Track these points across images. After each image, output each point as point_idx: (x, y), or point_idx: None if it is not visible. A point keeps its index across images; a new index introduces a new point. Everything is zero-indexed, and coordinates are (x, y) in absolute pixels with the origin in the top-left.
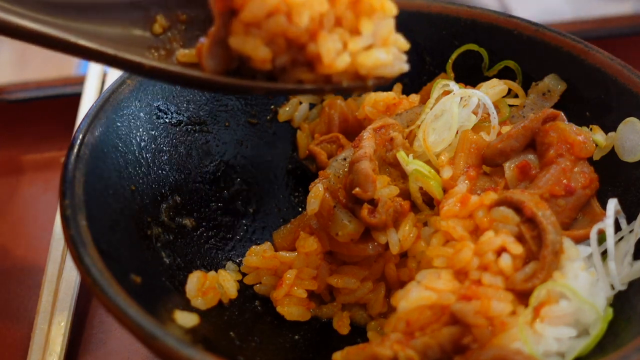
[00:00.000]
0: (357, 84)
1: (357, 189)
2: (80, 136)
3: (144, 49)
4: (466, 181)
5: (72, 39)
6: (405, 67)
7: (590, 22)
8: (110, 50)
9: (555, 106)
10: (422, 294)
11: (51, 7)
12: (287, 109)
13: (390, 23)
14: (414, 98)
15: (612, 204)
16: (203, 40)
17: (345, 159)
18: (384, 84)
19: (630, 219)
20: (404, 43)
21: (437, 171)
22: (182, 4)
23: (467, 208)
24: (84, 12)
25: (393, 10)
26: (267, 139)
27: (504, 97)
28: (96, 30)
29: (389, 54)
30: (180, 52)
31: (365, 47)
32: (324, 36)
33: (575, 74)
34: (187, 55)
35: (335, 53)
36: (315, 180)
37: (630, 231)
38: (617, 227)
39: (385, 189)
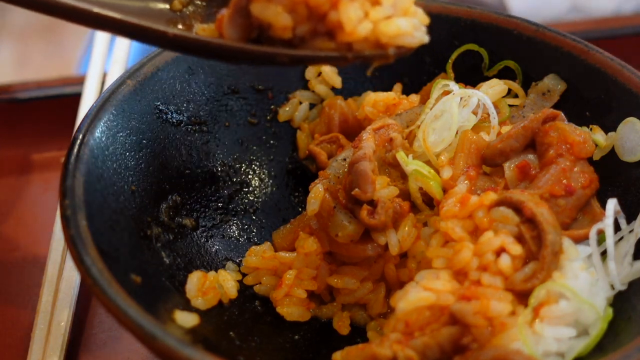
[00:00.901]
0: (378, 52)
1: (356, 189)
2: (80, 136)
3: (163, 22)
4: (466, 181)
5: (95, 9)
6: (425, 38)
7: (590, 22)
8: (133, 20)
9: (555, 106)
10: (420, 294)
11: None
12: (287, 109)
13: None
14: (414, 98)
15: (612, 204)
16: (223, 12)
17: (345, 160)
18: (405, 54)
19: (630, 219)
20: (423, 16)
21: (437, 171)
22: None
23: (466, 208)
24: None
25: None
26: (267, 139)
27: (504, 97)
28: (116, 3)
29: (410, 23)
30: (200, 27)
31: (386, 16)
32: (345, 4)
33: (575, 74)
34: (207, 29)
35: (356, 20)
36: (316, 181)
37: (630, 231)
38: (617, 227)
39: (384, 190)
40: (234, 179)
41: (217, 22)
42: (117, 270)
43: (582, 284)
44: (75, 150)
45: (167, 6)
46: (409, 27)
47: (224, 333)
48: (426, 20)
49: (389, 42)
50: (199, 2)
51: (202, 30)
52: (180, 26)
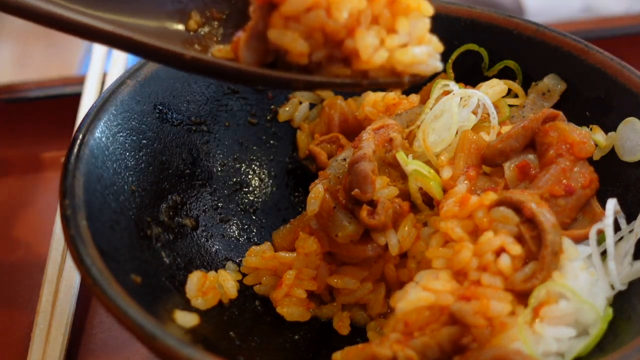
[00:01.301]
0: (393, 80)
1: (356, 190)
2: (80, 136)
3: (179, 43)
4: (466, 181)
5: (113, 29)
6: (439, 66)
7: (590, 22)
8: (150, 41)
9: (555, 106)
10: (420, 295)
11: None
12: (287, 109)
13: (426, 23)
14: (414, 98)
15: (612, 204)
16: (239, 35)
17: (345, 160)
18: (419, 82)
19: (630, 219)
20: (438, 44)
21: (437, 171)
22: (216, 0)
23: (466, 208)
24: (119, 3)
25: (429, 10)
26: (267, 139)
27: (504, 97)
28: (132, 23)
29: (425, 51)
30: (216, 48)
31: (401, 44)
32: (361, 32)
33: (575, 74)
34: (222, 50)
35: (372, 49)
36: (316, 181)
37: (630, 231)
38: (617, 227)
39: (384, 190)
40: (234, 179)
41: (233, 44)
42: (117, 270)
43: (582, 284)
44: (75, 150)
45: (183, 27)
46: (424, 56)
47: (224, 333)
48: (440, 48)
49: (404, 70)
50: (215, 23)
51: (218, 52)
52: (196, 47)
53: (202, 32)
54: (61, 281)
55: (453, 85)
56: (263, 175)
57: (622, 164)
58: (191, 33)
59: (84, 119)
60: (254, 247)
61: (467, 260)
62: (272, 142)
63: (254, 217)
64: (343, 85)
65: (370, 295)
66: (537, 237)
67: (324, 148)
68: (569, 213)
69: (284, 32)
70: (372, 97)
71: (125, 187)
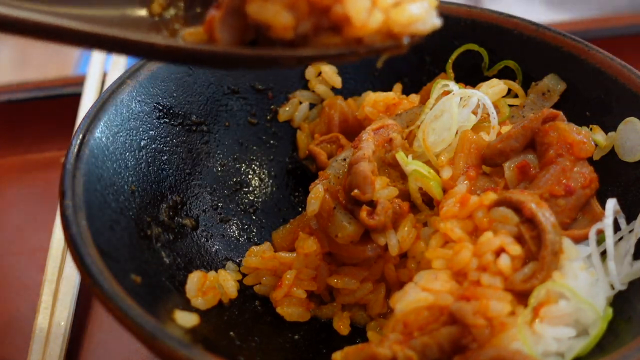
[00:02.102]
0: (391, 43)
1: (355, 190)
2: (80, 136)
3: (145, 31)
4: (466, 181)
5: (72, 25)
6: (438, 23)
7: (591, 22)
8: (117, 33)
9: (555, 106)
10: (419, 295)
11: None
12: (287, 109)
13: None
14: (414, 98)
15: (612, 204)
16: (212, 13)
17: (345, 160)
18: (417, 42)
19: (630, 219)
20: None
21: (437, 171)
22: None
23: (466, 208)
24: None
25: None
26: (267, 139)
27: (504, 97)
28: (91, 14)
29: (421, 7)
30: (186, 31)
31: (395, 2)
32: None
33: (575, 74)
34: (193, 33)
35: (365, 12)
36: (316, 181)
37: (630, 231)
38: (617, 227)
39: (384, 190)
40: (234, 179)
41: (206, 24)
42: (117, 270)
43: (582, 284)
44: (75, 150)
45: (146, 12)
46: (422, 12)
47: (224, 333)
48: (435, 2)
49: (402, 31)
50: (180, 4)
51: (189, 35)
52: (164, 32)
53: (168, 16)
54: (61, 281)
55: (453, 85)
56: (263, 175)
57: (622, 164)
58: (156, 18)
59: (84, 119)
60: (254, 247)
61: (467, 261)
62: (272, 142)
63: (254, 217)
64: (338, 56)
65: (370, 295)
66: (537, 237)
67: (324, 148)
68: (569, 213)
69: (265, 5)
70: (372, 97)
71: (125, 187)
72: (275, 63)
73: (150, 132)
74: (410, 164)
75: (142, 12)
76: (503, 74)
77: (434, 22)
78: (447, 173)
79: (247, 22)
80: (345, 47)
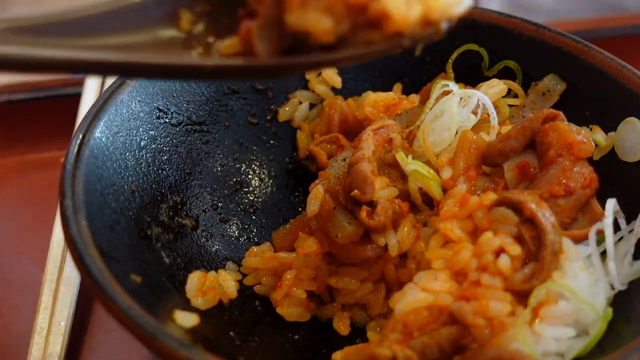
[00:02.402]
0: (431, 30)
1: (355, 190)
2: (80, 136)
3: (181, 50)
4: (466, 181)
5: (110, 57)
6: (470, 3)
7: (590, 22)
8: (161, 60)
9: (555, 106)
10: (418, 295)
11: (60, 30)
12: (287, 109)
13: None
14: (414, 98)
15: (612, 204)
16: (247, 24)
17: (345, 160)
18: (453, 27)
19: (630, 219)
20: None
21: (437, 171)
22: None
23: (466, 208)
24: (99, 24)
25: None
26: (267, 139)
27: (503, 97)
28: (123, 42)
29: None
30: (222, 44)
31: None
32: None
33: (575, 74)
34: (229, 46)
35: (404, 5)
36: (316, 181)
37: (630, 231)
38: (617, 227)
39: (384, 191)
40: (234, 179)
41: (240, 35)
42: (117, 270)
43: (582, 284)
44: (75, 150)
45: (175, 30)
46: None
47: (224, 333)
48: None
49: (440, 17)
50: (207, 18)
51: (226, 48)
52: (199, 49)
53: (198, 29)
54: (61, 281)
55: (453, 85)
56: (263, 175)
57: (622, 164)
58: (187, 34)
59: (84, 119)
60: (254, 247)
61: (467, 261)
62: (272, 142)
63: (254, 217)
64: (381, 52)
65: (370, 295)
66: (536, 237)
67: (324, 148)
68: (569, 213)
69: (304, 14)
70: (372, 97)
71: (125, 187)
72: (318, 67)
73: (151, 132)
74: (410, 164)
75: (172, 32)
76: (503, 74)
77: (467, 2)
78: (447, 173)
79: (285, 31)
80: (387, 41)
